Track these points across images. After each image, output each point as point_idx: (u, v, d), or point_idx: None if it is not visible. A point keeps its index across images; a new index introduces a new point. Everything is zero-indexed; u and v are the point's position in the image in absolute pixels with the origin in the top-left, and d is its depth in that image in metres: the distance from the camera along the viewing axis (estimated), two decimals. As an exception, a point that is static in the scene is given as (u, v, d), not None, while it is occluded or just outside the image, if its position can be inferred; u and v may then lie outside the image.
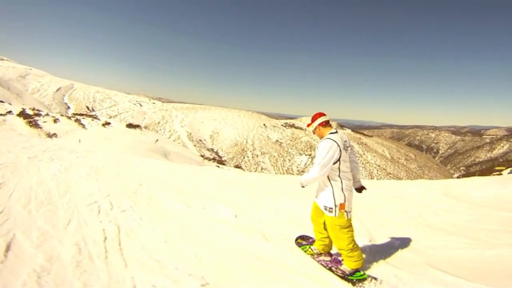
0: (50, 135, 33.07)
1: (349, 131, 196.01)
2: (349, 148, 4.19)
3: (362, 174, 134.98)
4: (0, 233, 4.59)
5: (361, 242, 5.15)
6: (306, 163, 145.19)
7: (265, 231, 5.91)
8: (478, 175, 25.04)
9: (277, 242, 5.36)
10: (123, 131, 46.62)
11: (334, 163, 3.91)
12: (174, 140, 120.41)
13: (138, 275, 3.89)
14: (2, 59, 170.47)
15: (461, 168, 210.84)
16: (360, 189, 4.51)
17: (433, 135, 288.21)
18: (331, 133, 4.09)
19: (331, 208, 3.99)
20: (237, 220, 6.60)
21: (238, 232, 5.80)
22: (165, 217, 6.53)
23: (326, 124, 4.21)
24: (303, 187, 4.34)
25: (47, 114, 44.29)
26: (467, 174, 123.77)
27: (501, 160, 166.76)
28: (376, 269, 4.28)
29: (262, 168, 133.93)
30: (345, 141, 4.09)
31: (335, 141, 3.90)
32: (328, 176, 4.01)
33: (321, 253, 4.58)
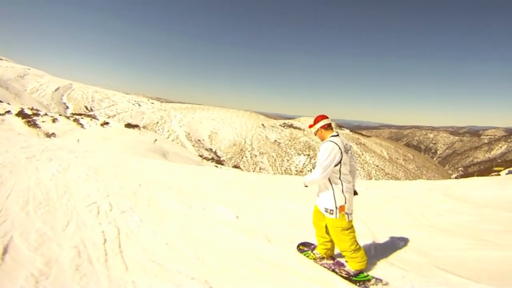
0: (48, 135, 32.94)
1: (347, 131, 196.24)
2: (349, 151, 4.21)
3: (360, 174, 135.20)
4: (-3, 235, 4.48)
5: (366, 243, 5.15)
6: (304, 163, 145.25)
7: (268, 233, 5.82)
8: (477, 176, 25.03)
9: (281, 244, 5.28)
10: (122, 131, 46.45)
11: (335, 165, 3.97)
12: (172, 140, 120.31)
13: (139, 279, 3.78)
14: (1, 59, 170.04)
15: (459, 168, 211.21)
16: (353, 193, 4.43)
17: (431, 135, 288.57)
18: (332, 136, 4.14)
19: (332, 210, 4.02)
20: (238, 222, 6.51)
21: (240, 234, 5.70)
22: (166, 219, 6.42)
23: (328, 127, 4.27)
24: (306, 186, 4.34)
25: (46, 114, 44.13)
26: (465, 175, 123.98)
27: (499, 160, 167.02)
28: (383, 271, 4.22)
29: (260, 168, 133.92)
30: (345, 144, 4.14)
31: (336, 144, 3.96)
32: (329, 179, 4.05)
33: (323, 257, 4.57)
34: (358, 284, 3.89)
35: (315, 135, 4.39)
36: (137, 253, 4.53)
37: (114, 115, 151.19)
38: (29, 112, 41.51)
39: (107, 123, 47.90)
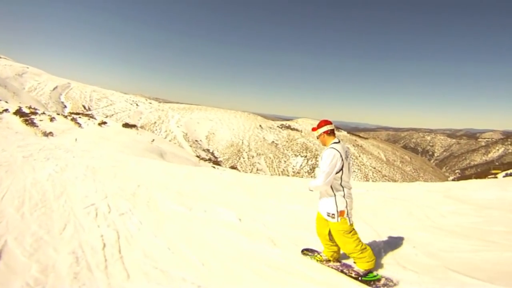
0: (46, 134, 32.76)
1: (344, 133, 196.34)
2: (349, 158, 4.31)
3: (358, 176, 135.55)
4: (-10, 239, 4.25)
5: (374, 246, 5.09)
6: (301, 165, 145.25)
7: (272, 235, 5.72)
8: (474, 178, 25.03)
9: (286, 247, 5.18)
10: (120, 130, 46.31)
11: (337, 173, 4.06)
12: (170, 140, 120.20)
13: (142, 287, 3.58)
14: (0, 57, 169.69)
15: (456, 171, 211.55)
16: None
17: (428, 138, 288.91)
18: (334, 142, 4.24)
19: (333, 214, 4.12)
20: (241, 224, 6.40)
21: (244, 236, 5.59)
22: (166, 221, 6.28)
23: (331, 133, 4.37)
24: (311, 190, 4.34)
25: (44, 113, 43.92)
26: (462, 177, 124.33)
27: (497, 163, 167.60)
28: (396, 274, 4.15)
29: (257, 169, 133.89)
30: (346, 151, 4.24)
31: (338, 151, 4.06)
32: (331, 185, 4.14)
33: (329, 260, 4.57)
34: (368, 283, 3.95)
35: (317, 138, 4.48)
36: (138, 258, 4.35)
37: (112, 115, 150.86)
38: (27, 110, 41.32)
39: (105, 123, 47.74)
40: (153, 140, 48.72)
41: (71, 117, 45.94)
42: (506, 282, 3.78)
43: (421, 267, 4.36)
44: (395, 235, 5.80)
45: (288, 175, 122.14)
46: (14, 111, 38.57)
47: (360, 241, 4.13)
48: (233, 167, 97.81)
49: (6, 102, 50.87)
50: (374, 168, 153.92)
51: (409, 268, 4.30)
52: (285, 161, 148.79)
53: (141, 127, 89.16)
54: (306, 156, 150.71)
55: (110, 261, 4.16)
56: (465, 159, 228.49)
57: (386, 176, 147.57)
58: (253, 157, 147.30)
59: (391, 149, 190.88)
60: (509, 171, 67.16)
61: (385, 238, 5.58)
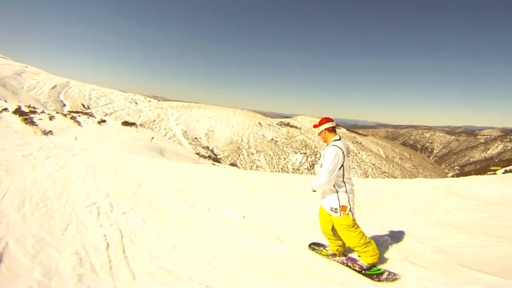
0: (45, 133, 32.71)
1: (344, 130, 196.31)
2: (349, 154, 4.42)
3: (357, 173, 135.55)
4: (-9, 241, 4.13)
5: (381, 243, 5.05)
6: (301, 162, 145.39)
7: (278, 233, 5.66)
8: (474, 175, 25.05)
9: (293, 245, 5.12)
10: (119, 128, 46.30)
11: (339, 169, 4.10)
12: (169, 138, 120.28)
13: (148, 289, 3.49)
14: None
15: (456, 167, 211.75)
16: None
17: (427, 134, 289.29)
18: (335, 139, 4.29)
19: (336, 209, 4.16)
20: (246, 222, 6.34)
21: (249, 234, 5.52)
22: (170, 220, 6.20)
23: (332, 130, 4.41)
24: (314, 191, 4.39)
25: (43, 112, 43.88)
26: (462, 174, 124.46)
27: (496, 160, 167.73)
28: (406, 271, 4.10)
29: (257, 166, 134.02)
30: (347, 148, 4.29)
31: (340, 148, 4.10)
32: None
33: (335, 254, 4.62)
34: (371, 277, 3.99)
35: (319, 135, 4.52)
36: (143, 258, 4.26)
37: (111, 113, 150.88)
38: (26, 109, 41.28)
39: (104, 121, 47.70)
40: (153, 138, 48.70)
41: (71, 116, 45.91)
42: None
43: (430, 262, 4.33)
44: (401, 231, 5.74)
45: (288, 172, 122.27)
46: (13, 110, 38.53)
47: (363, 235, 4.17)
48: (232, 164, 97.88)
49: (5, 101, 50.85)
50: (374, 164, 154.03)
51: (419, 264, 4.27)
52: (284, 158, 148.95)
53: (141, 125, 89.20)
54: (305, 153, 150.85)
55: (114, 261, 4.05)
56: (464, 156, 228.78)
57: (385, 172, 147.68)
58: (252, 154, 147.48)
59: (390, 146, 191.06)
60: (508, 168, 67.31)
61: (391, 234, 5.51)
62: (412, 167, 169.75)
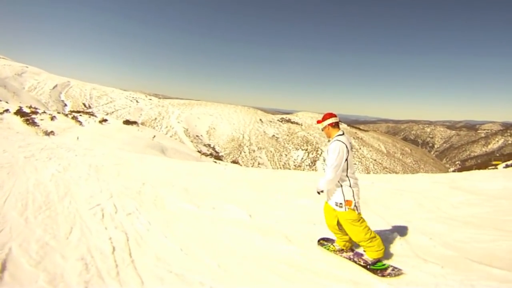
0: (47, 133, 32.71)
1: (345, 125, 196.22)
2: (352, 149, 4.39)
3: (359, 169, 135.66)
4: (-6, 247, 4.02)
5: (390, 239, 5.01)
6: (302, 158, 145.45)
7: (286, 232, 5.57)
8: (475, 169, 25.05)
9: (302, 243, 5.03)
10: (120, 127, 46.30)
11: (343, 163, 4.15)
12: (171, 136, 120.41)
13: (158, 294, 3.39)
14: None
15: (457, 162, 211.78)
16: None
17: (428, 129, 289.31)
18: (339, 134, 4.33)
19: (341, 204, 4.18)
20: (252, 221, 6.26)
21: (257, 234, 5.42)
22: (175, 220, 6.10)
23: (336, 125, 4.46)
24: (319, 193, 4.41)
25: (44, 112, 43.94)
26: (463, 168, 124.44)
27: (497, 154, 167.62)
28: (419, 268, 4.06)
29: (259, 163, 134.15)
30: (350, 142, 4.31)
31: (343, 143, 4.15)
32: None
33: (342, 249, 4.64)
34: (375, 272, 4.00)
35: (322, 130, 4.55)
36: (150, 262, 4.15)
37: (112, 112, 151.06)
38: (27, 110, 41.32)
39: (105, 120, 47.70)
40: (154, 136, 48.68)
41: (72, 116, 45.95)
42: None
43: (441, 259, 4.29)
44: (409, 227, 5.70)
45: (289, 169, 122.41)
46: (14, 111, 38.60)
47: (369, 229, 4.19)
48: (234, 162, 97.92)
49: (7, 102, 50.88)
50: (375, 160, 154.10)
51: (430, 261, 4.22)
52: (286, 155, 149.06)
53: (142, 123, 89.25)
54: (306, 149, 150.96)
55: (121, 266, 3.94)
56: (465, 151, 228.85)
57: (387, 168, 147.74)
58: (254, 151, 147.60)
59: (392, 141, 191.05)
60: (509, 162, 67.14)
61: (400, 231, 5.44)
62: (414, 162, 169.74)
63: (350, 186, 4.19)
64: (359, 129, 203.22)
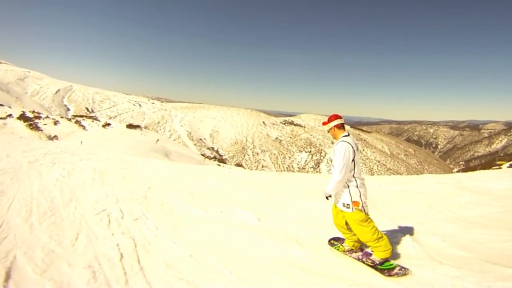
0: (51, 138, 32.74)
1: (348, 127, 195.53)
2: (358, 150, 4.43)
3: (363, 170, 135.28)
4: (-2, 255, 3.88)
5: (403, 243, 4.96)
6: (306, 160, 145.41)
7: (296, 235, 5.49)
8: (480, 169, 24.98)
9: (314, 247, 4.95)
10: (124, 131, 46.35)
11: (350, 163, 4.21)
12: (174, 140, 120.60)
13: (169, 303, 3.26)
14: (1, 62, 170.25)
15: (461, 162, 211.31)
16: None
17: (431, 130, 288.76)
18: (344, 135, 4.40)
19: (349, 205, 4.23)
20: (261, 225, 6.15)
21: (267, 238, 5.31)
22: (183, 225, 5.97)
23: (341, 126, 4.53)
24: (327, 198, 4.44)
25: (47, 117, 44.00)
26: (467, 169, 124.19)
27: (501, 154, 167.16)
28: (433, 271, 3.98)
29: (262, 166, 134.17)
30: (356, 143, 4.38)
31: (349, 143, 4.22)
32: None
33: (352, 249, 4.70)
34: (383, 272, 4.03)
35: (328, 132, 4.63)
36: (160, 269, 4.02)
37: (115, 116, 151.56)
38: (30, 115, 41.38)
39: (108, 124, 47.74)
40: (158, 140, 48.68)
41: (75, 120, 46.01)
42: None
43: (456, 260, 4.24)
44: (421, 229, 5.66)
45: (293, 171, 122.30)
46: (18, 116, 38.68)
47: (376, 229, 4.23)
48: (238, 165, 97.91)
49: (10, 107, 51.01)
50: (379, 161, 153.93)
51: (445, 263, 4.17)
52: (289, 157, 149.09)
53: (145, 127, 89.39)
54: (310, 151, 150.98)
55: (130, 274, 3.80)
56: (469, 151, 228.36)
57: (391, 169, 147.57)
58: (257, 154, 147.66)
59: (395, 142, 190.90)
60: (513, 162, 66.87)
61: (412, 233, 5.42)
62: (417, 163, 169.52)
63: (357, 186, 4.23)
64: (362, 130, 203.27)
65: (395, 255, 4.44)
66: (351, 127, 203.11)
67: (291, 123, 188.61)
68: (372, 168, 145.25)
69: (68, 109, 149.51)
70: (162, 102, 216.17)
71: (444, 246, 4.76)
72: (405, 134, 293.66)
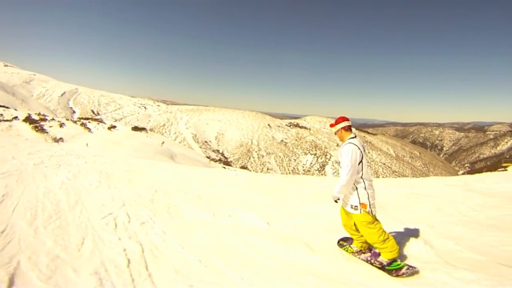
0: (56, 140, 32.79)
1: (353, 129, 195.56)
2: (365, 151, 4.46)
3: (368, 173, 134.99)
4: (2, 261, 3.72)
5: (414, 245, 4.92)
6: (311, 163, 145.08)
7: (307, 239, 5.38)
8: (486, 172, 24.75)
9: (326, 252, 4.87)
10: (129, 134, 46.38)
11: (357, 165, 4.24)
12: (179, 142, 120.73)
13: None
14: (6, 65, 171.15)
15: (466, 165, 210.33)
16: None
17: (437, 132, 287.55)
18: (351, 137, 4.47)
19: (356, 206, 4.27)
20: (271, 229, 6.03)
21: (277, 243, 5.20)
22: (191, 229, 5.85)
23: (348, 128, 4.61)
24: (336, 201, 4.47)
25: (53, 119, 44.10)
26: (473, 171, 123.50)
27: (507, 156, 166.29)
28: (448, 275, 3.92)
29: (268, 169, 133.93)
30: (362, 145, 4.42)
31: (356, 145, 4.28)
32: None
33: (360, 251, 4.73)
34: (390, 272, 4.07)
35: (335, 134, 4.71)
36: (169, 275, 3.88)
37: (121, 119, 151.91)
38: (36, 117, 41.50)
39: (114, 127, 47.79)
40: (163, 142, 48.67)
41: (81, 122, 46.12)
42: None
43: (471, 264, 4.20)
44: (432, 232, 5.60)
45: (298, 174, 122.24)
46: (23, 118, 38.80)
47: (383, 231, 4.27)
48: (243, 167, 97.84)
49: (15, 109, 51.14)
50: (384, 164, 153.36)
51: (460, 267, 4.12)
52: (295, 160, 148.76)
53: (151, 130, 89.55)
54: (315, 154, 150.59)
55: (138, 281, 3.65)
56: (474, 153, 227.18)
57: (396, 172, 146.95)
58: (263, 156, 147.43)
59: (400, 145, 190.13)
60: (520, 164, 66.37)
61: (424, 236, 5.31)
62: (423, 166, 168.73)
63: (365, 188, 4.27)
64: (368, 132, 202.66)
65: (406, 259, 4.45)
66: (356, 129, 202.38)
67: (296, 125, 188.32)
68: (378, 171, 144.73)
69: (74, 112, 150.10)
70: (168, 104, 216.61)
71: (457, 250, 4.71)
72: (411, 136, 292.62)
